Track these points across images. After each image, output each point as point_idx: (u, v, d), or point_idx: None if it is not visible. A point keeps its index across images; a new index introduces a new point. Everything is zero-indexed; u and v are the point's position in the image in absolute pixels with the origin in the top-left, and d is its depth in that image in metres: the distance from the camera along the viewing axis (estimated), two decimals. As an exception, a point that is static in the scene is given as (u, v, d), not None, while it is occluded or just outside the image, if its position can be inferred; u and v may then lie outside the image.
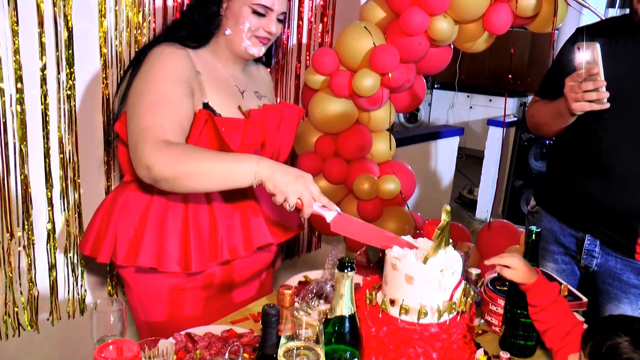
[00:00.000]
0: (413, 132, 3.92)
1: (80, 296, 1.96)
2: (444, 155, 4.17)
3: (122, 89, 1.60)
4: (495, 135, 5.12)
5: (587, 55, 1.59)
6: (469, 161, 6.81)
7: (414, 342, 1.19)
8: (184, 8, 1.72)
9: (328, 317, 1.11)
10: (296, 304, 1.39)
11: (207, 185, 1.41)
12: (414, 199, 3.83)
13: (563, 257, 1.96)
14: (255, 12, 1.54)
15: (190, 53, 1.55)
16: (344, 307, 1.09)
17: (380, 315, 1.21)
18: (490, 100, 7.65)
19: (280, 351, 1.05)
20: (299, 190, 1.36)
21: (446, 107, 8.12)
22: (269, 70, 1.89)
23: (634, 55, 1.72)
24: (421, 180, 3.98)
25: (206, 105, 1.52)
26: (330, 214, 1.39)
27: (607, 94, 1.60)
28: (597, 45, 1.59)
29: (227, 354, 1.20)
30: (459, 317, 1.24)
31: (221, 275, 1.61)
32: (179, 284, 1.56)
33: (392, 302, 1.21)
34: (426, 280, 1.17)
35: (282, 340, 1.06)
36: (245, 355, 1.27)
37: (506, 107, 3.08)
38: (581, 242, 1.88)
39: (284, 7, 1.59)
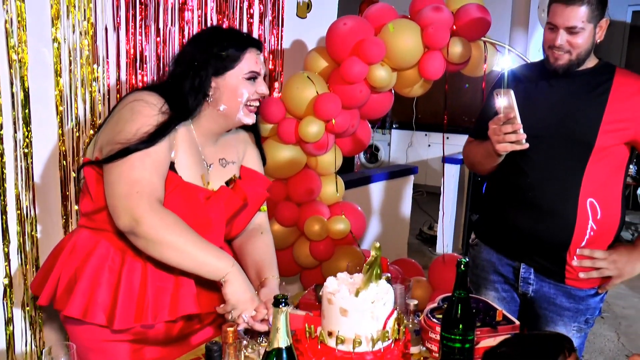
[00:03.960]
0: (368, 173, 4.05)
1: (38, 348, 1.99)
2: (400, 194, 4.30)
3: (101, 131, 1.62)
4: (450, 172, 5.30)
5: (504, 101, 1.75)
6: (430, 198, 6.99)
7: (351, 371, 1.28)
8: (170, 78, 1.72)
9: (266, 350, 1.20)
10: (244, 342, 1.46)
11: (181, 263, 1.52)
12: (372, 238, 3.94)
13: (503, 286, 2.08)
14: (248, 79, 1.65)
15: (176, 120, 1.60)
16: (281, 339, 1.18)
17: (319, 346, 1.31)
18: (448, 137, 7.85)
19: (223, 385, 1.13)
20: (246, 310, 1.55)
21: (405, 146, 8.35)
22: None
23: (549, 98, 1.89)
24: (379, 219, 4.09)
25: (172, 165, 1.58)
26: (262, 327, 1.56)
27: (525, 135, 1.75)
28: (511, 92, 1.74)
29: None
30: (392, 344, 1.34)
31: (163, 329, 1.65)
32: (111, 336, 1.58)
33: (330, 334, 1.31)
34: (359, 312, 1.28)
35: (226, 374, 1.14)
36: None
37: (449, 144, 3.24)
38: (517, 270, 2.00)
39: (264, 68, 1.72)
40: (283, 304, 1.14)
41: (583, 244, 1.87)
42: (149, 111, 1.54)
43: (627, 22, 8.16)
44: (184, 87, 1.61)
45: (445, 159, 5.47)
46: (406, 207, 4.40)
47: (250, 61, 1.65)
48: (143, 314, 1.55)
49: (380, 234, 4.10)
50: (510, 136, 1.75)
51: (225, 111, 1.65)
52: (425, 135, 8.18)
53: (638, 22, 8.08)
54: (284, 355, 1.17)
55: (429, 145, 8.18)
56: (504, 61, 2.61)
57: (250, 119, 1.70)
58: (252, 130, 1.88)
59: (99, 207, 1.56)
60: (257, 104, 1.70)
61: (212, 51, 1.62)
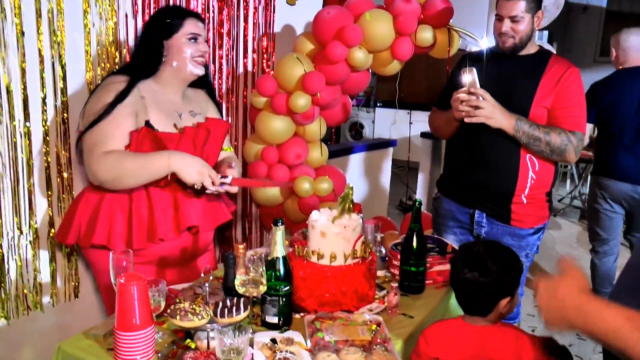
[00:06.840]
0: (350, 144, 4.43)
1: (74, 283, 2.40)
2: (380, 165, 4.69)
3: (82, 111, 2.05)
4: (427, 146, 5.74)
5: (469, 77, 2.18)
6: (411, 172, 7.39)
7: (328, 279, 1.72)
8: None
9: (267, 259, 1.63)
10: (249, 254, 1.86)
11: (137, 181, 1.95)
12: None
13: (460, 230, 2.53)
14: (190, 39, 2.07)
15: (138, 83, 2.03)
16: (278, 250, 1.61)
17: (305, 262, 1.74)
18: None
19: (237, 282, 1.56)
20: (203, 179, 1.94)
21: (388, 123, 8.75)
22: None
23: (497, 76, 2.32)
24: (360, 187, 4.45)
25: (147, 123, 2.00)
26: (229, 178, 2.01)
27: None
28: (474, 70, 2.18)
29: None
30: (360, 261, 1.77)
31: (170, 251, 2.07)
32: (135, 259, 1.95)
33: (313, 252, 1.74)
34: (334, 235, 1.71)
35: (237, 276, 1.57)
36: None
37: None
38: (472, 216, 2.45)
39: (204, 33, 2.16)
40: (280, 223, 1.57)
41: (527, 190, 2.31)
42: (112, 86, 1.98)
43: (603, 7, 8.58)
44: (143, 52, 2.09)
45: (422, 134, 5.94)
46: (385, 177, 4.77)
47: (191, 25, 2.08)
48: (154, 233, 1.99)
49: (361, 201, 4.49)
50: (467, 107, 2.18)
51: (177, 67, 2.10)
52: (408, 113, 8.56)
53: (613, 6, 8.48)
54: (281, 261, 1.61)
55: (411, 123, 8.55)
56: (482, 43, 2.93)
57: (199, 70, 2.13)
58: (206, 87, 2.32)
59: None
60: (202, 59, 2.13)
61: (161, 20, 2.08)
